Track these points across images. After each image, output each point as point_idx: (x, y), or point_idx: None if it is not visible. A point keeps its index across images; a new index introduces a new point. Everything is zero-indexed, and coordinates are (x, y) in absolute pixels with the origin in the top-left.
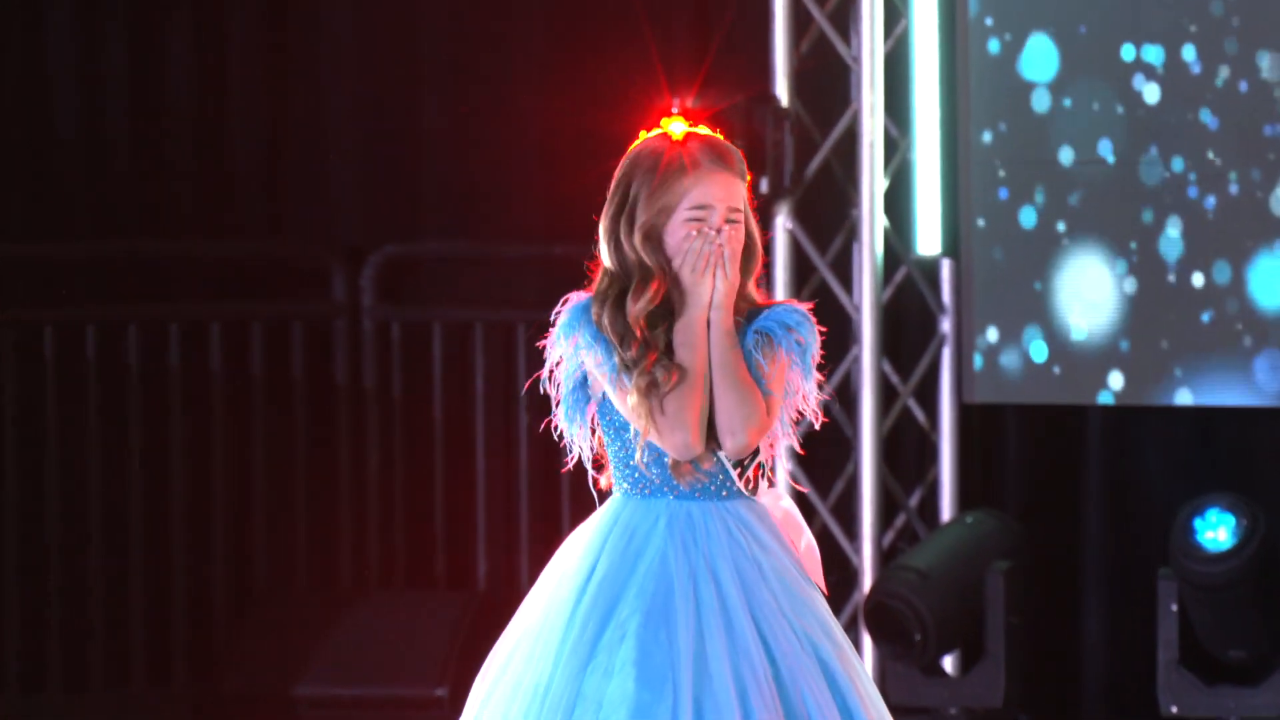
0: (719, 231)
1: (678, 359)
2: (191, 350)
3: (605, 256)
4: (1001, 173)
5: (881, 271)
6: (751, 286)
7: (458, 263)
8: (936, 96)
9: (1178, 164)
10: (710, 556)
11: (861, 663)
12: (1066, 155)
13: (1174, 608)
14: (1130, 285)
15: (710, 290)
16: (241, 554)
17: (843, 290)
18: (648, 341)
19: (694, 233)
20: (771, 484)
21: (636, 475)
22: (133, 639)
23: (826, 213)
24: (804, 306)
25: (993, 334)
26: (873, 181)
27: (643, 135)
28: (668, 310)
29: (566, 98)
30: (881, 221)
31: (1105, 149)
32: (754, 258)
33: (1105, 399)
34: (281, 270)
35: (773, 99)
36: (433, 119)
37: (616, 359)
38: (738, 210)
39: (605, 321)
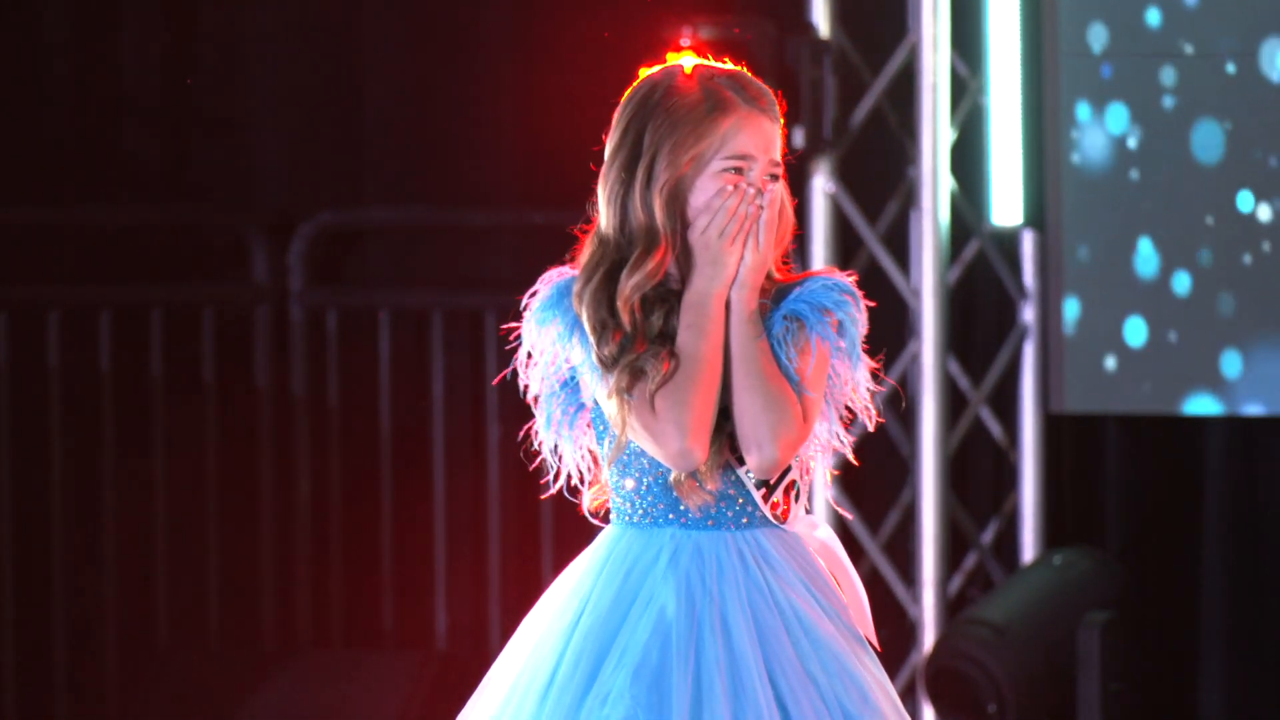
0: (760, 190)
1: (678, 344)
2: (75, 344)
3: (604, 219)
4: (1100, 120)
5: (947, 246)
6: (777, 263)
7: (410, 234)
8: (1016, 25)
9: None
10: (721, 600)
11: None
12: (1170, 77)
13: None
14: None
15: (737, 263)
16: (139, 601)
17: (898, 270)
18: (636, 328)
19: (729, 188)
20: (808, 510)
21: (634, 500)
22: (2, 708)
23: (877, 172)
24: (844, 277)
25: (1088, 325)
26: (936, 132)
27: (643, 73)
28: (667, 293)
29: (547, 27)
30: (947, 183)
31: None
32: (787, 228)
33: (1230, 401)
34: (188, 244)
35: (809, 28)
36: (379, 51)
37: (594, 354)
38: (779, 165)
39: (585, 303)
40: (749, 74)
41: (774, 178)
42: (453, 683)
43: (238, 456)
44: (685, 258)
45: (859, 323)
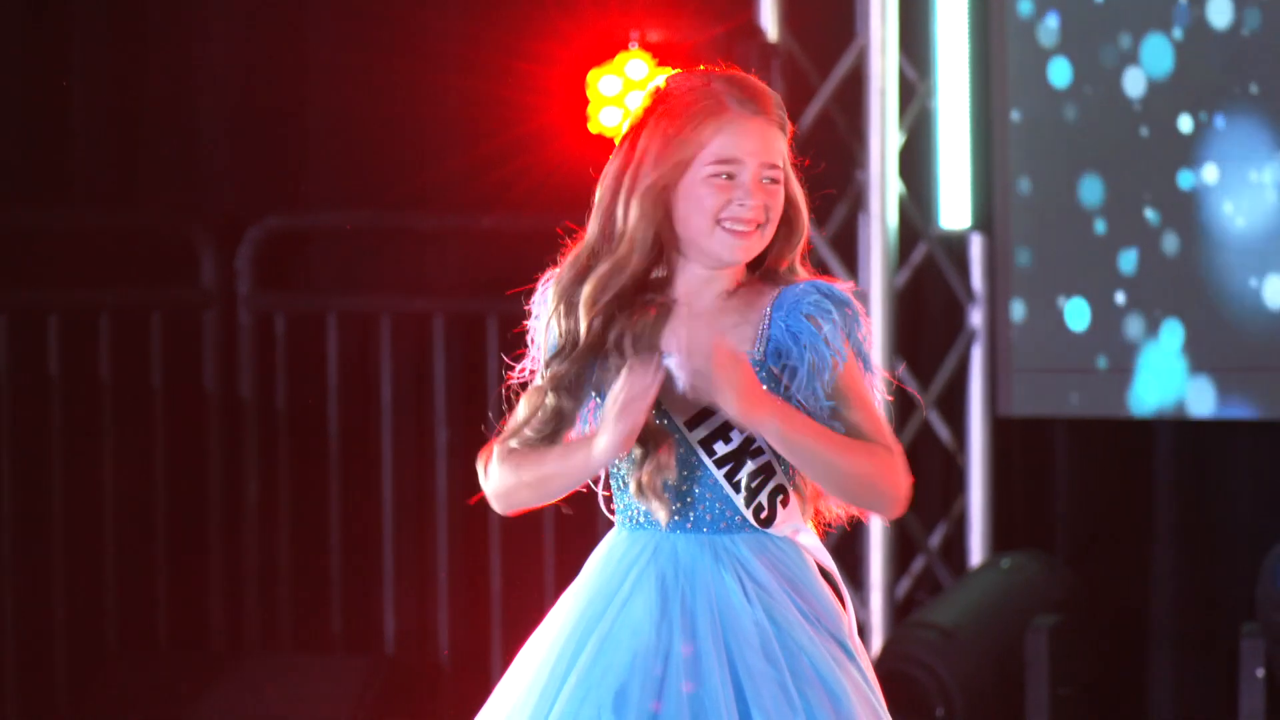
0: (750, 192)
1: (599, 429)
2: (22, 349)
3: (592, 224)
4: (1053, 124)
5: (895, 250)
6: (795, 262)
7: (358, 239)
8: (965, 29)
9: None
10: (691, 602)
11: None
12: (1136, 83)
13: (1260, 673)
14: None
15: (625, 432)
16: (87, 604)
17: (845, 273)
18: (583, 333)
19: (713, 191)
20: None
21: (624, 502)
22: None
23: (825, 175)
24: (832, 282)
25: (1036, 328)
26: (884, 136)
27: (658, 74)
28: (634, 310)
29: (493, 29)
30: (895, 187)
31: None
32: (797, 228)
33: (1181, 404)
34: (135, 248)
35: (758, 32)
36: (324, 54)
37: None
38: (776, 167)
39: (552, 302)
40: (751, 77)
41: (772, 180)
42: (400, 687)
43: (186, 460)
44: (665, 264)
45: (855, 329)
